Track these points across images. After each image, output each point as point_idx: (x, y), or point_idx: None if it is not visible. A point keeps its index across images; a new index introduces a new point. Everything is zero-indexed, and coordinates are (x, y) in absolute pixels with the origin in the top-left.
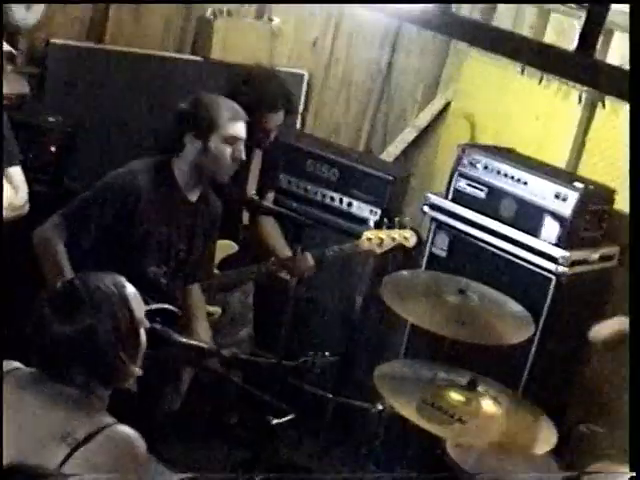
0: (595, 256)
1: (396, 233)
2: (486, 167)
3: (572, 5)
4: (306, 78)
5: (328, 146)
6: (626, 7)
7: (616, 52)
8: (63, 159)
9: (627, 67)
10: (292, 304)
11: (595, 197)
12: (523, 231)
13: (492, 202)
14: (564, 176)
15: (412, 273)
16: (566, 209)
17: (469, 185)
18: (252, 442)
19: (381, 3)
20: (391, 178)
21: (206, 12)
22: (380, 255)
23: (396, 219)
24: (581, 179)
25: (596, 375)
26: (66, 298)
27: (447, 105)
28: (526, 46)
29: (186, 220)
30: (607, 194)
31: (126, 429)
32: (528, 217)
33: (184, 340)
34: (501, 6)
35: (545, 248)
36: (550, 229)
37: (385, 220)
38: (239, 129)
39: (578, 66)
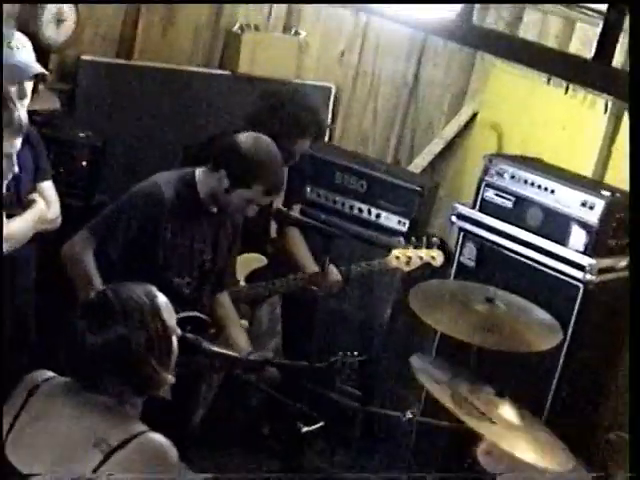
0: (622, 264)
1: (424, 252)
2: (513, 177)
3: (595, 15)
4: (333, 91)
5: (356, 158)
6: None
7: None
8: (93, 173)
9: None
10: (320, 316)
11: (622, 205)
12: (550, 240)
13: (519, 211)
14: (591, 184)
15: (440, 282)
16: (593, 217)
17: (496, 195)
18: (283, 452)
19: (404, 3)
20: (419, 189)
21: (234, 26)
22: None
23: (424, 237)
24: (608, 187)
25: (626, 383)
26: (99, 308)
27: (474, 116)
28: (546, 55)
29: (209, 231)
30: None
31: (159, 437)
32: (555, 226)
33: (215, 348)
34: (527, 16)
35: (572, 256)
36: (577, 237)
37: (413, 239)
38: (264, 201)
39: (595, 74)
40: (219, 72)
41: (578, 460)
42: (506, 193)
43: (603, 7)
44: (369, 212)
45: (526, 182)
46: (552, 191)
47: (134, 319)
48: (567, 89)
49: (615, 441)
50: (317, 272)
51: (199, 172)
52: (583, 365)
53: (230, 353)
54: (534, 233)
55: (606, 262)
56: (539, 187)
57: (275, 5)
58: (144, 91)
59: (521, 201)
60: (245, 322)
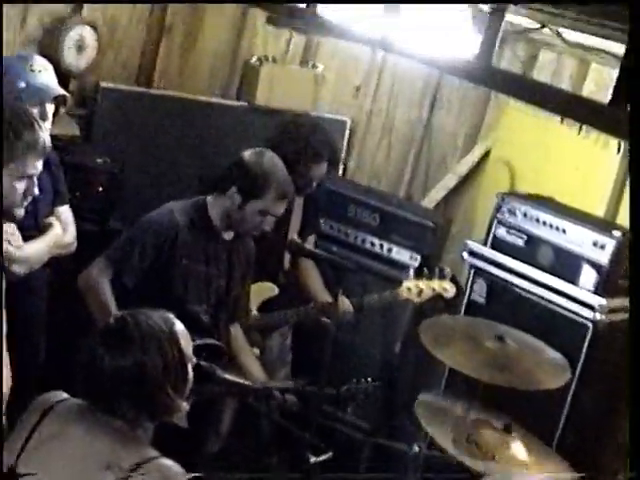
0: None
1: (435, 284)
2: (525, 215)
3: (611, 56)
4: (348, 124)
5: (369, 192)
6: None
7: None
8: (110, 199)
9: None
10: (331, 347)
11: None
12: (561, 278)
13: (531, 250)
14: (602, 224)
15: (451, 318)
16: (604, 257)
17: (508, 233)
18: None
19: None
20: (431, 224)
21: (252, 58)
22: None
23: (436, 269)
24: (619, 227)
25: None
26: (117, 334)
27: (487, 153)
28: (561, 98)
29: (223, 258)
30: None
31: (170, 463)
32: (566, 265)
33: (228, 377)
34: (542, 56)
35: (583, 296)
36: (588, 277)
37: (425, 270)
38: (279, 209)
39: (611, 119)
40: (236, 103)
41: None
42: (518, 231)
43: (619, 50)
44: (381, 246)
45: (538, 221)
46: (564, 230)
47: (152, 345)
48: (580, 129)
49: None
50: (328, 302)
51: (210, 198)
52: (591, 404)
53: (243, 382)
54: (545, 271)
55: (616, 302)
56: (551, 226)
57: (293, 38)
58: (162, 119)
59: (533, 239)
60: (256, 350)
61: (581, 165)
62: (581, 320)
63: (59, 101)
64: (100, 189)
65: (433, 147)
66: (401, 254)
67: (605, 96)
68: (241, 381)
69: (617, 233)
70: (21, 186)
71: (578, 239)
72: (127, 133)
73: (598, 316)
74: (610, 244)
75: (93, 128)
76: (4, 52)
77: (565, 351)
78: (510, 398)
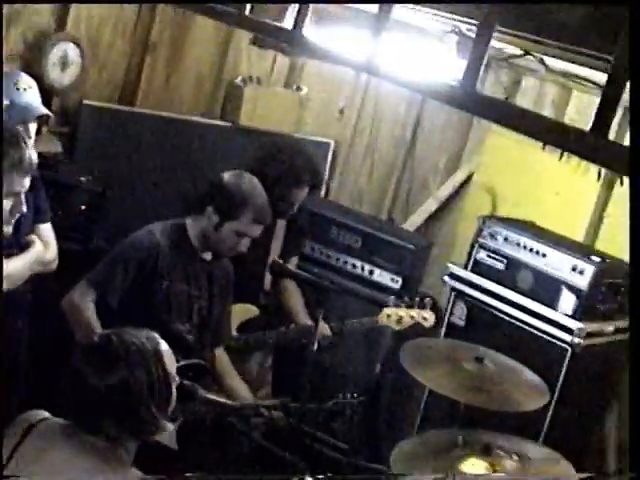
0: (610, 328)
1: (415, 312)
2: (506, 239)
3: (590, 85)
4: (332, 147)
5: (351, 214)
6: None
7: None
8: (92, 218)
9: None
10: (310, 369)
11: (611, 271)
12: (540, 302)
13: (511, 273)
14: (581, 250)
15: (431, 340)
16: (583, 282)
17: (489, 256)
18: None
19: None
20: (412, 247)
21: (236, 79)
22: None
23: (417, 298)
24: (598, 253)
25: (609, 444)
26: (102, 352)
27: (469, 177)
28: (543, 125)
29: (203, 278)
30: (623, 268)
31: None
32: (545, 289)
33: (211, 396)
34: (525, 82)
35: (561, 319)
36: (567, 301)
37: (406, 298)
38: (255, 231)
39: (592, 146)
40: (220, 123)
41: None
42: (498, 255)
43: (600, 79)
44: (362, 268)
45: (518, 245)
46: (543, 255)
47: (137, 363)
48: (562, 155)
49: None
50: (307, 325)
51: (189, 220)
52: (569, 426)
53: (226, 401)
54: (524, 295)
55: (594, 326)
56: (531, 250)
57: (278, 60)
58: (145, 138)
59: (513, 263)
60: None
61: (562, 191)
62: (560, 343)
63: (42, 120)
64: (83, 207)
65: (415, 170)
66: (383, 276)
67: (586, 122)
68: (223, 400)
69: (596, 258)
70: (8, 203)
71: (558, 264)
72: (110, 151)
73: (576, 340)
74: (589, 269)
75: (76, 146)
76: None
77: (544, 374)
78: (490, 419)
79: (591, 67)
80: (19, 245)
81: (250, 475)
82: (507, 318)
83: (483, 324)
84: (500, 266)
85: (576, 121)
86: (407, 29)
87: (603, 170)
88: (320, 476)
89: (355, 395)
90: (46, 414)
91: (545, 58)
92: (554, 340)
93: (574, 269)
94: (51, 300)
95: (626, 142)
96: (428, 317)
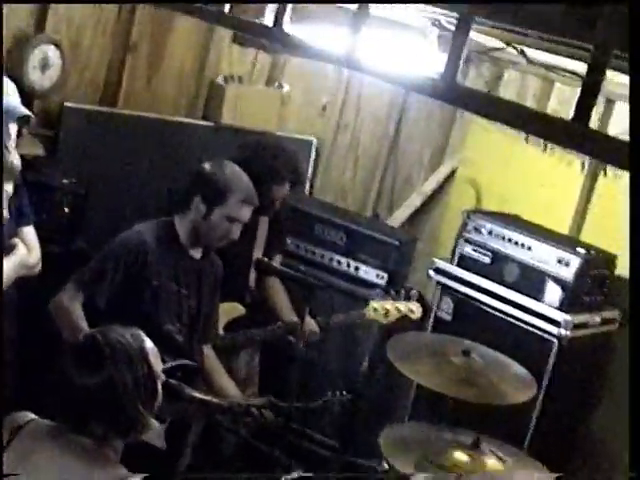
0: (597, 319)
1: (402, 305)
2: (491, 232)
3: (572, 77)
4: (315, 144)
5: (336, 211)
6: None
7: (617, 122)
8: (75, 220)
9: (627, 137)
10: (299, 366)
11: (597, 262)
12: (526, 295)
13: (496, 267)
14: (567, 242)
15: (418, 335)
16: (568, 274)
17: (474, 250)
18: None
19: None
20: (397, 243)
21: (217, 78)
22: None
23: (402, 290)
24: (583, 245)
25: (599, 435)
26: (87, 351)
27: (453, 172)
28: (526, 115)
29: (192, 277)
30: (609, 259)
31: None
32: (531, 281)
33: (197, 394)
34: (506, 75)
35: (548, 312)
36: (553, 293)
37: (392, 291)
38: (244, 213)
39: (574, 135)
40: (202, 123)
41: None
42: (484, 249)
43: (581, 70)
44: (348, 265)
45: (503, 238)
46: (529, 247)
47: (122, 361)
48: (545, 147)
49: None
50: (294, 322)
51: (177, 217)
52: (557, 418)
53: (213, 399)
54: (510, 288)
55: (581, 318)
56: (516, 243)
57: (259, 58)
58: (127, 139)
59: (498, 257)
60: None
61: (546, 183)
62: (546, 336)
63: (23, 121)
64: (66, 210)
65: (399, 166)
66: (368, 272)
67: (569, 114)
68: (210, 399)
69: (581, 250)
70: None
71: (543, 256)
72: (93, 153)
73: (563, 332)
74: (575, 261)
75: (58, 148)
76: None
77: (531, 366)
78: (479, 412)
79: (571, 57)
80: (2, 249)
81: (239, 473)
82: (493, 311)
83: (470, 318)
84: (486, 260)
85: (558, 112)
86: (389, 24)
87: (587, 161)
88: (309, 474)
89: (343, 393)
90: (32, 415)
91: (526, 50)
92: (541, 332)
93: (559, 261)
94: (35, 303)
95: (609, 132)
96: (415, 309)
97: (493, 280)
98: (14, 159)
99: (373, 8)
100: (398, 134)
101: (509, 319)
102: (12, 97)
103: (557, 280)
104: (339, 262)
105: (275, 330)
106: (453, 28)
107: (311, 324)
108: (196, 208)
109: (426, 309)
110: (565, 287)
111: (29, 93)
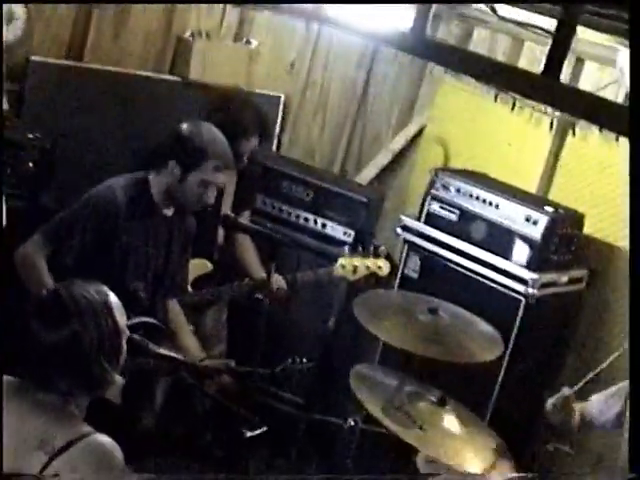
0: (564, 279)
1: (370, 261)
2: (458, 190)
3: (544, 34)
4: (282, 101)
5: (303, 168)
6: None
7: (587, 80)
8: (41, 175)
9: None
10: (266, 323)
11: (565, 221)
12: (494, 253)
13: (464, 225)
14: (535, 200)
15: (384, 293)
16: (536, 232)
17: (442, 208)
18: (225, 459)
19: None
20: (365, 200)
21: (185, 33)
22: None
23: (371, 247)
24: (551, 203)
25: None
26: (51, 306)
27: (421, 130)
28: (496, 69)
29: (163, 235)
30: (577, 219)
31: (105, 439)
32: (499, 240)
33: (162, 351)
34: (476, 34)
35: (515, 270)
36: (520, 252)
37: (360, 248)
38: (220, 179)
39: (544, 88)
40: (169, 78)
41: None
42: (451, 206)
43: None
44: (315, 222)
45: (471, 196)
46: (497, 206)
47: (86, 316)
48: (514, 106)
49: (552, 452)
50: (262, 279)
51: (151, 175)
52: (523, 376)
53: (176, 356)
54: (478, 246)
55: (548, 277)
56: (484, 201)
57: (227, 13)
58: (94, 94)
59: (466, 215)
60: (191, 327)
61: (514, 142)
62: (514, 294)
63: None
64: (31, 165)
65: (367, 124)
66: (335, 230)
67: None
68: (174, 355)
69: (549, 209)
70: None
71: (511, 214)
72: (59, 108)
73: (530, 290)
74: (542, 220)
75: (23, 103)
76: None
77: (498, 325)
78: (446, 371)
79: (542, 14)
80: None
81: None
82: (461, 269)
83: (437, 276)
84: (453, 217)
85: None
86: None
87: (555, 120)
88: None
89: (303, 360)
90: None
91: (496, 6)
92: (508, 291)
93: (527, 220)
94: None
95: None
96: (383, 265)
97: (460, 238)
98: None
99: None
100: (366, 92)
101: (476, 277)
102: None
103: (525, 238)
104: (306, 219)
105: (242, 287)
106: None
107: (279, 281)
108: (171, 171)
109: (394, 266)
110: (533, 246)
111: None
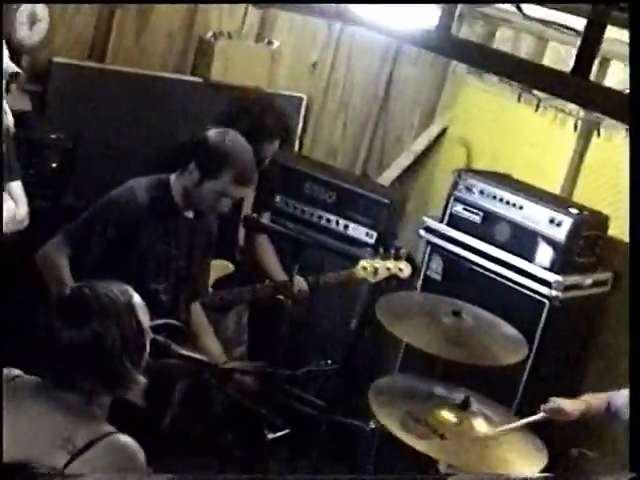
0: (588, 281)
1: (391, 263)
2: (482, 192)
3: (570, 33)
4: (305, 101)
5: (325, 169)
6: (623, 36)
7: (613, 80)
8: (63, 175)
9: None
10: (287, 325)
11: (589, 223)
12: (517, 255)
13: (487, 226)
14: (559, 202)
15: (407, 295)
16: (560, 234)
17: (465, 209)
18: (246, 460)
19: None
20: (387, 201)
21: (207, 34)
22: None
23: (392, 249)
24: (576, 205)
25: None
26: (75, 305)
27: (444, 131)
28: (523, 67)
29: (184, 236)
30: (601, 220)
31: (126, 438)
32: (523, 242)
33: (184, 352)
34: (499, 34)
35: (539, 272)
36: (544, 254)
37: (381, 249)
38: (236, 192)
39: (573, 87)
40: (191, 79)
41: None
42: (475, 208)
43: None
44: (337, 223)
45: (495, 197)
46: (520, 207)
47: (110, 315)
48: (537, 107)
49: (576, 457)
50: (284, 281)
51: (173, 176)
52: (547, 379)
53: (199, 357)
54: (501, 248)
55: (572, 279)
56: (507, 203)
57: (249, 14)
58: (115, 95)
59: (489, 216)
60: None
61: (538, 143)
62: (537, 297)
63: (12, 77)
64: (54, 165)
65: (389, 124)
66: (357, 231)
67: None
68: (197, 356)
69: (574, 210)
70: None
71: (535, 216)
72: (81, 108)
73: (554, 293)
74: (566, 221)
75: (46, 104)
76: None
77: (522, 327)
78: (468, 374)
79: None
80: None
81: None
82: (484, 271)
83: (460, 278)
84: (476, 219)
85: None
86: None
87: (580, 122)
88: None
89: (327, 362)
90: (18, 371)
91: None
92: (532, 293)
93: (551, 221)
94: (23, 259)
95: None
96: (404, 268)
97: (484, 240)
98: (8, 122)
99: None
100: (389, 92)
101: (500, 279)
102: (1, 54)
103: (549, 240)
104: (328, 220)
105: (264, 289)
106: None
107: (300, 283)
108: (190, 173)
109: (415, 268)
110: (557, 248)
111: (17, 49)
